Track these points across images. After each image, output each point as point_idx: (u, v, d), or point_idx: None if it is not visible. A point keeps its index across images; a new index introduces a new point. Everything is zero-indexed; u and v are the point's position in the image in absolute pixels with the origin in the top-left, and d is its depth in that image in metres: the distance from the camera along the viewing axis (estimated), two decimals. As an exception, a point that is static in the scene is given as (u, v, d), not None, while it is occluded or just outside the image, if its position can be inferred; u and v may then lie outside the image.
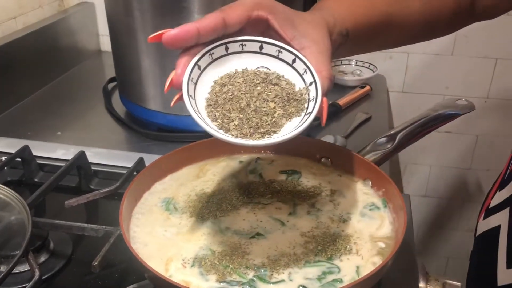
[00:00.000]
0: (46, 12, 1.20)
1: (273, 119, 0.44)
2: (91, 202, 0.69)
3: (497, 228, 0.65)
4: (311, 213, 0.55)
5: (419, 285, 0.59)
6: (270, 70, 0.47)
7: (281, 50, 0.46)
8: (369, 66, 1.13)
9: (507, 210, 0.64)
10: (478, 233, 0.72)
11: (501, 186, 0.69)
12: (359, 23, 0.54)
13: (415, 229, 1.38)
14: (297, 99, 0.45)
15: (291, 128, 0.43)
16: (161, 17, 0.79)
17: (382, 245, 0.50)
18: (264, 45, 0.46)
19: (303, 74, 0.46)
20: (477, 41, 1.12)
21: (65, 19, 1.19)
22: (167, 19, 0.78)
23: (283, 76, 0.47)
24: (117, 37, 0.89)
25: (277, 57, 0.47)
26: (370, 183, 0.60)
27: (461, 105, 0.71)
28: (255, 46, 0.46)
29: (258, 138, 0.43)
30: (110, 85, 1.08)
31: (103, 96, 1.04)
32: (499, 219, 0.65)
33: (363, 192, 0.59)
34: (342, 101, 0.99)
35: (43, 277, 0.57)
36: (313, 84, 0.44)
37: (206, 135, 0.44)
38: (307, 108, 0.44)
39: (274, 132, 0.43)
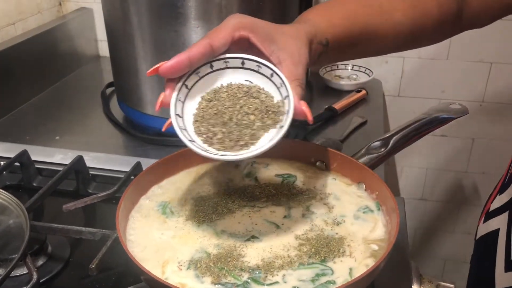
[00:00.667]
0: (45, 17, 1.21)
1: (252, 132, 0.48)
2: (89, 206, 0.70)
3: (496, 231, 0.65)
4: (306, 216, 0.56)
5: (413, 287, 0.60)
6: (252, 83, 0.51)
7: (260, 65, 0.50)
8: (365, 70, 1.14)
9: (506, 213, 0.64)
10: (478, 236, 0.73)
11: (501, 190, 0.69)
12: (339, 33, 0.57)
13: (412, 233, 1.39)
14: (275, 111, 0.49)
15: (267, 139, 0.47)
16: (158, 23, 0.80)
17: (375, 247, 0.51)
18: (245, 61, 0.51)
19: (279, 87, 0.49)
20: (472, 46, 1.13)
21: (63, 24, 1.20)
22: (164, 25, 0.79)
23: (263, 89, 0.50)
24: (115, 42, 0.90)
25: (257, 72, 0.51)
26: (364, 186, 0.60)
27: (455, 109, 0.72)
28: (238, 62, 0.51)
29: (238, 150, 0.47)
30: (108, 90, 1.09)
31: (101, 101, 1.05)
32: (498, 222, 0.66)
33: (357, 195, 0.60)
34: (338, 105, 1.00)
35: (41, 280, 0.58)
36: (287, 98, 0.48)
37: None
38: (281, 120, 0.48)
39: (252, 144, 0.47)
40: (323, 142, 0.86)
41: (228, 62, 0.51)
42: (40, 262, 0.62)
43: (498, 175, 1.25)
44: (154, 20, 0.80)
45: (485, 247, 0.69)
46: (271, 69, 0.49)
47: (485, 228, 0.70)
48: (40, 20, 1.19)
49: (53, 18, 1.23)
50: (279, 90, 0.49)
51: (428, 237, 1.39)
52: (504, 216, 0.64)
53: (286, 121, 0.47)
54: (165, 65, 0.48)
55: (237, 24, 0.49)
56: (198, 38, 0.79)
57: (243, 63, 0.51)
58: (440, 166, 1.29)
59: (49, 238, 0.65)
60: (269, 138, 0.47)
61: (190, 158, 0.65)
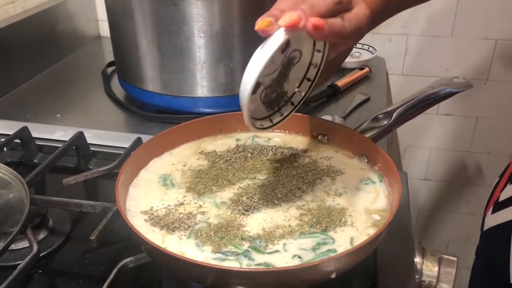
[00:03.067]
0: (45, -4, 1.19)
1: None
2: (90, 182, 0.70)
3: (508, 223, 0.63)
4: (307, 187, 0.55)
5: (415, 259, 0.59)
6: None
7: None
8: (368, 48, 1.13)
9: None
10: (485, 227, 0.70)
11: (511, 179, 0.67)
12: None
13: (415, 212, 1.39)
14: None
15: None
16: (158, -2, 0.79)
17: (377, 217, 0.51)
18: None
19: None
20: (476, 22, 1.11)
21: (63, 3, 1.19)
22: (165, 0, 0.78)
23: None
24: (114, 19, 0.89)
25: None
26: (366, 158, 0.60)
27: (458, 83, 0.70)
28: None
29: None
30: (109, 70, 1.08)
31: (102, 80, 1.04)
32: (511, 213, 0.63)
33: (359, 167, 0.59)
34: (341, 82, 0.99)
35: (41, 254, 0.58)
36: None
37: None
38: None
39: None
40: (326, 118, 0.85)
41: None
42: (41, 236, 0.61)
43: (502, 155, 1.25)
44: (154, -5, 0.79)
45: (495, 239, 0.66)
46: None
47: (494, 220, 0.67)
48: (40, -1, 1.17)
49: (53, -3, 1.22)
50: None
51: (431, 217, 1.39)
52: None
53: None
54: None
55: None
56: (198, 12, 0.79)
57: None
58: (443, 145, 1.28)
59: (51, 213, 0.64)
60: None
61: (191, 131, 0.65)
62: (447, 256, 0.61)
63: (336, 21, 0.43)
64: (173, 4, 0.77)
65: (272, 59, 0.43)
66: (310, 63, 0.52)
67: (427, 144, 1.29)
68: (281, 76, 0.51)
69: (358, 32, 0.46)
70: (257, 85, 0.47)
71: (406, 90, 1.20)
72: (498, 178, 0.73)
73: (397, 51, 1.18)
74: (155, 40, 0.83)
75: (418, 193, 1.35)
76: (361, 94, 0.97)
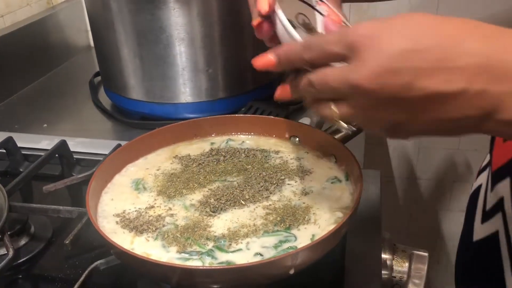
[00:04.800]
0: (34, 10, 1.22)
1: None
2: (74, 188, 0.71)
3: (495, 234, 0.60)
4: (275, 188, 0.57)
5: (385, 256, 0.60)
6: None
7: None
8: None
9: (500, 215, 0.60)
10: (475, 238, 0.66)
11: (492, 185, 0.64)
12: None
13: (405, 212, 1.40)
14: None
15: None
16: (135, 7, 0.81)
17: (340, 214, 0.52)
18: None
19: None
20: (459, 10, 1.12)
21: (53, 15, 1.21)
22: (141, 8, 0.80)
23: None
24: (97, 30, 0.92)
25: None
26: (335, 158, 0.61)
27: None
28: None
29: None
30: (97, 79, 1.11)
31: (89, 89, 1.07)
32: (495, 224, 0.61)
33: (328, 167, 0.61)
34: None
35: (22, 259, 0.60)
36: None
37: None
38: None
39: None
40: (305, 120, 0.87)
41: None
42: (22, 242, 0.63)
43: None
44: (132, 5, 0.81)
45: (487, 250, 0.63)
46: None
47: (483, 230, 0.64)
48: (29, 12, 1.20)
49: (42, 9, 1.24)
50: None
51: (422, 217, 1.40)
52: (499, 217, 0.60)
53: None
54: None
55: None
56: (175, 20, 0.81)
57: None
58: (431, 144, 1.29)
59: (33, 220, 0.66)
60: None
61: (167, 136, 0.67)
62: (418, 252, 0.62)
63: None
64: (150, 13, 0.79)
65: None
66: None
67: (416, 143, 1.30)
68: None
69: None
70: None
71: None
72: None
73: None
74: (136, 49, 0.85)
75: (408, 192, 1.36)
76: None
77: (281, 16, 0.46)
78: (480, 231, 0.63)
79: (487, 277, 0.62)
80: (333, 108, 0.39)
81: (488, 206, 0.62)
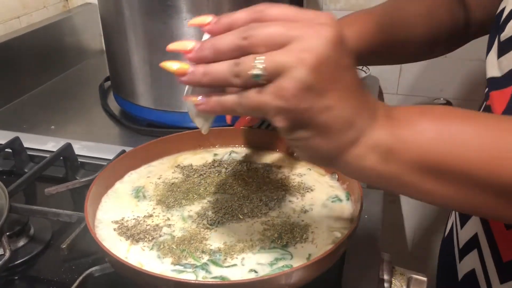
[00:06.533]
0: (50, 12, 1.24)
1: None
2: (77, 192, 0.71)
3: (472, 272, 0.60)
4: (275, 204, 0.57)
5: (383, 277, 0.60)
6: None
7: None
8: (362, 67, 1.14)
9: (475, 251, 0.59)
10: (460, 276, 0.65)
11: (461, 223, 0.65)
12: (365, 45, 0.62)
13: (410, 234, 1.38)
14: None
15: None
16: (148, 15, 0.81)
17: (338, 234, 0.51)
18: None
19: None
20: (470, 44, 1.12)
21: (68, 18, 1.23)
22: (153, 17, 0.81)
23: None
24: (109, 35, 0.92)
25: None
26: (337, 176, 0.61)
27: (439, 104, 0.72)
28: None
29: None
30: (107, 84, 1.11)
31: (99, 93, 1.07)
32: (472, 261, 0.60)
33: (329, 185, 0.60)
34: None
35: (20, 260, 0.60)
36: None
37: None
38: None
39: None
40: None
41: None
42: (21, 243, 0.63)
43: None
44: (144, 13, 0.82)
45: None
46: None
47: (463, 268, 0.63)
48: (45, 14, 1.22)
49: (58, 12, 1.26)
50: None
51: (428, 239, 1.38)
52: (474, 255, 0.59)
53: None
54: None
55: None
56: (187, 30, 0.81)
57: None
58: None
59: (33, 222, 0.66)
60: None
61: (171, 146, 0.67)
62: (417, 276, 0.61)
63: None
64: (162, 22, 0.80)
65: None
66: None
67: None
68: None
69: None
70: None
71: (400, 110, 1.21)
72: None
73: (392, 71, 1.19)
74: (146, 56, 0.85)
75: (414, 214, 1.35)
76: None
77: None
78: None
79: None
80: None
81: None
